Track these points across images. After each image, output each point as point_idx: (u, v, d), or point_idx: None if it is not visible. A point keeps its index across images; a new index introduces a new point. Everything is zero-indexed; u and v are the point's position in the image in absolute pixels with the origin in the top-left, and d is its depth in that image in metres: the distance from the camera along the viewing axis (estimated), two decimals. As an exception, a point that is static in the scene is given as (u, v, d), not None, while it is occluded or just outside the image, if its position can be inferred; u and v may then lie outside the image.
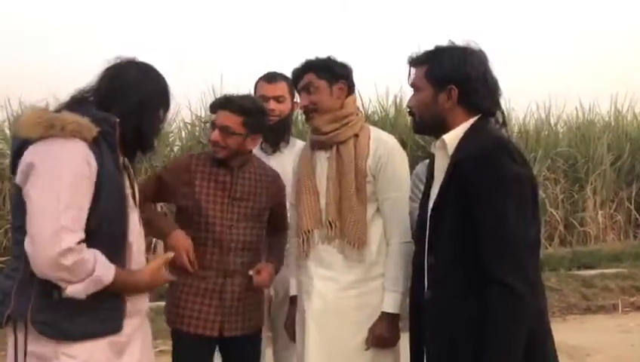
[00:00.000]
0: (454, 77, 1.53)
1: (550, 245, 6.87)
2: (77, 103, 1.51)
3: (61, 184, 1.36)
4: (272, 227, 2.16)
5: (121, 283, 1.46)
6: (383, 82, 7.15)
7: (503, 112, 1.95)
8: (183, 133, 7.02)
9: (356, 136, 1.94)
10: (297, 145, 2.54)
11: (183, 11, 11.91)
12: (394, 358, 1.94)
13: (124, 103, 1.51)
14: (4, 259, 5.90)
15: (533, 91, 8.35)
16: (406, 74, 1.65)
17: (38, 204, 1.36)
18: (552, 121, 8.13)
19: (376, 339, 1.86)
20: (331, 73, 1.95)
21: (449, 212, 1.50)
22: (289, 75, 2.12)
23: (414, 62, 1.63)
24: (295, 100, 2.51)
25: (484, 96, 1.54)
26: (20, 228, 1.42)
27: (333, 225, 1.89)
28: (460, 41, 1.59)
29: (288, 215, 2.17)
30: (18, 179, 1.43)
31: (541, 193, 6.99)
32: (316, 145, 2.01)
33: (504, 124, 1.95)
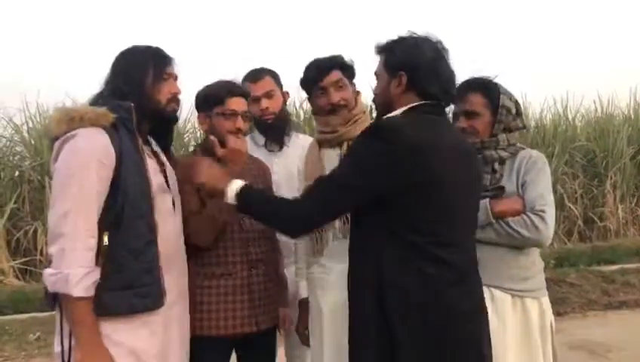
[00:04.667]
0: (404, 63, 1.58)
1: (569, 240, 6.79)
2: (95, 99, 1.65)
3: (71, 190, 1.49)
4: None
5: (82, 315, 1.48)
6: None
7: (517, 102, 1.94)
8: (199, 133, 7.06)
9: None
10: (300, 137, 2.53)
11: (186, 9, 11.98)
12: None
13: (125, 88, 1.63)
14: (26, 259, 6.02)
15: (550, 85, 8.26)
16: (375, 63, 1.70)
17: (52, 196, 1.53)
18: (570, 116, 8.03)
19: None
20: (352, 72, 1.98)
21: None
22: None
23: (377, 51, 1.68)
24: (285, 91, 2.48)
25: (431, 84, 1.57)
26: None
27: (348, 220, 1.88)
28: (421, 32, 1.64)
29: None
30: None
31: (559, 188, 6.90)
32: (325, 144, 2.01)
33: (518, 114, 1.95)
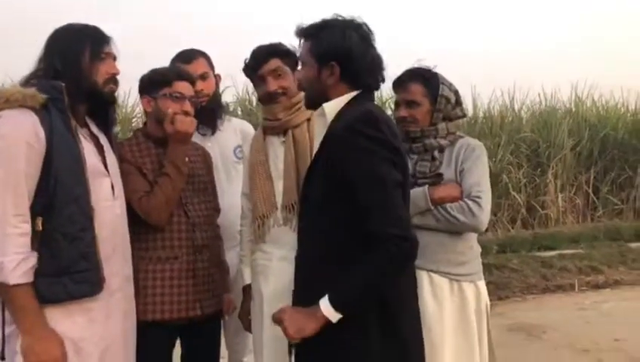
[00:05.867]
0: (336, 53, 1.52)
1: (513, 228, 7.05)
2: (28, 79, 1.57)
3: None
4: None
5: (23, 301, 1.44)
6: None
7: (456, 92, 2.00)
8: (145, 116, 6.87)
9: (308, 120, 1.95)
10: (233, 121, 2.52)
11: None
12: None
13: (60, 67, 1.57)
14: None
15: (498, 78, 8.51)
16: (297, 46, 1.65)
17: None
18: (517, 107, 8.31)
19: None
20: (294, 60, 1.95)
21: (316, 180, 1.52)
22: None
23: (301, 34, 1.61)
24: (217, 73, 2.45)
25: (365, 72, 1.55)
26: None
27: (293, 207, 1.89)
28: (345, 15, 1.58)
29: (241, 204, 2.14)
30: None
31: (504, 177, 7.16)
32: (269, 131, 2.01)
33: (458, 103, 2.00)
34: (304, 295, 1.52)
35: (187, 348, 2.07)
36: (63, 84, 1.53)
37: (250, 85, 2.25)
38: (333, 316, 1.39)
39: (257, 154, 2.00)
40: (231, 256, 2.23)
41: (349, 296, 1.41)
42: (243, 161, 2.14)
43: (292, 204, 1.90)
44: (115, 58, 1.70)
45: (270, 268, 1.94)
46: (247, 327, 2.09)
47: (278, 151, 1.98)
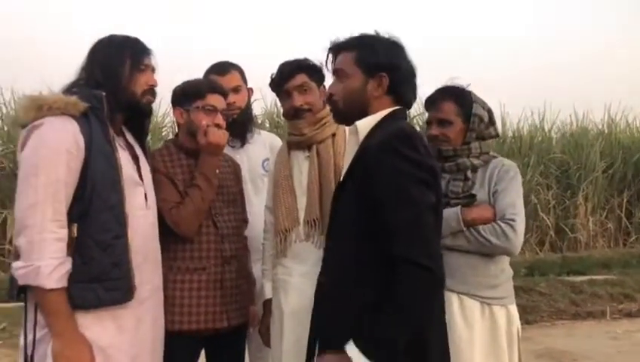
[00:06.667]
0: (387, 65, 1.49)
1: (541, 250, 6.90)
2: (70, 87, 1.61)
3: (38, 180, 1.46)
4: None
5: (57, 305, 1.46)
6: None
7: (490, 111, 1.96)
8: (177, 128, 6.98)
9: (333, 135, 1.96)
10: (262, 134, 2.53)
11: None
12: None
13: (100, 77, 1.60)
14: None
15: (528, 97, 8.40)
16: (325, 59, 1.60)
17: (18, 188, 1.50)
18: (546, 127, 8.18)
19: None
20: (320, 75, 1.97)
21: (349, 198, 1.47)
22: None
23: (340, 47, 1.56)
24: (249, 87, 2.47)
25: (408, 89, 1.54)
26: None
27: (315, 223, 1.88)
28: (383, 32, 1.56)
29: (264, 218, 2.13)
30: None
31: (533, 198, 7.03)
32: (293, 146, 2.01)
33: (491, 122, 1.97)
34: (323, 317, 1.49)
35: (212, 359, 2.07)
36: (104, 94, 1.57)
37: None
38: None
39: (282, 169, 2.00)
40: (257, 269, 2.22)
41: (384, 341, 1.32)
42: (268, 174, 2.14)
43: (314, 220, 1.89)
44: (153, 70, 1.73)
45: (290, 284, 1.93)
46: (267, 342, 2.08)
47: (302, 166, 1.98)
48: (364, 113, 1.52)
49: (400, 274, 1.33)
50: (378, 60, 1.50)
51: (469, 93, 1.95)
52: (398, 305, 1.33)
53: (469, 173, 1.90)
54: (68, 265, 1.47)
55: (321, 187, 1.91)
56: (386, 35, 1.56)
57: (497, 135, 2.02)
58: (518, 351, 1.92)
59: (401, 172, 1.37)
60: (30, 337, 1.49)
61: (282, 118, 6.93)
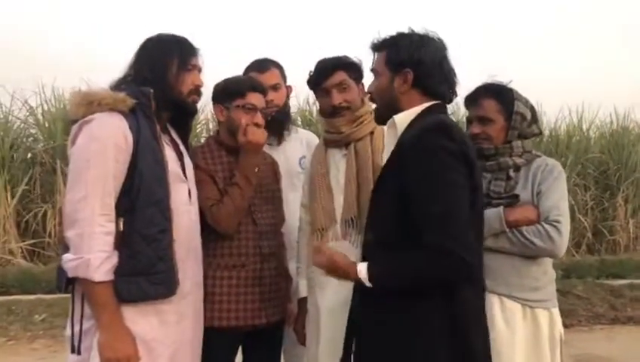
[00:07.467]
0: (410, 61, 1.52)
1: (577, 252, 6.73)
2: (118, 83, 1.65)
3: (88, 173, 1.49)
4: None
5: (104, 298, 1.50)
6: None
7: (532, 108, 1.91)
8: (211, 124, 7.07)
9: (371, 133, 1.94)
10: (299, 132, 2.52)
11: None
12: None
13: (148, 75, 1.63)
14: (34, 241, 6.06)
15: (566, 95, 8.19)
16: (370, 60, 1.64)
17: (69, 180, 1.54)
18: (584, 127, 7.96)
19: None
20: (359, 73, 1.96)
21: (388, 191, 1.48)
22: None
23: (375, 47, 1.61)
24: (288, 85, 2.46)
25: (438, 82, 1.54)
26: None
27: (354, 221, 1.87)
28: (419, 29, 1.59)
29: (298, 215, 2.14)
30: None
31: (570, 199, 6.84)
32: (331, 144, 2.00)
33: (534, 120, 1.92)
34: (365, 311, 1.50)
35: (249, 355, 2.08)
36: (152, 91, 1.59)
37: (311, 96, 2.26)
38: (364, 282, 1.43)
39: (318, 167, 1.99)
40: (291, 266, 2.22)
41: (388, 281, 1.43)
42: (305, 171, 2.14)
43: (352, 218, 1.88)
44: (200, 70, 1.74)
45: (327, 282, 1.91)
46: (302, 340, 2.08)
47: (339, 164, 1.97)
48: (396, 109, 1.55)
49: (430, 258, 1.36)
50: (401, 57, 1.54)
51: (511, 90, 1.90)
52: (415, 277, 1.39)
53: (511, 173, 1.86)
54: (115, 259, 1.50)
55: (359, 185, 1.89)
56: (419, 31, 1.57)
57: (540, 133, 1.98)
58: (561, 355, 1.88)
59: (436, 158, 1.38)
60: (77, 328, 1.53)
61: (314, 115, 6.98)
